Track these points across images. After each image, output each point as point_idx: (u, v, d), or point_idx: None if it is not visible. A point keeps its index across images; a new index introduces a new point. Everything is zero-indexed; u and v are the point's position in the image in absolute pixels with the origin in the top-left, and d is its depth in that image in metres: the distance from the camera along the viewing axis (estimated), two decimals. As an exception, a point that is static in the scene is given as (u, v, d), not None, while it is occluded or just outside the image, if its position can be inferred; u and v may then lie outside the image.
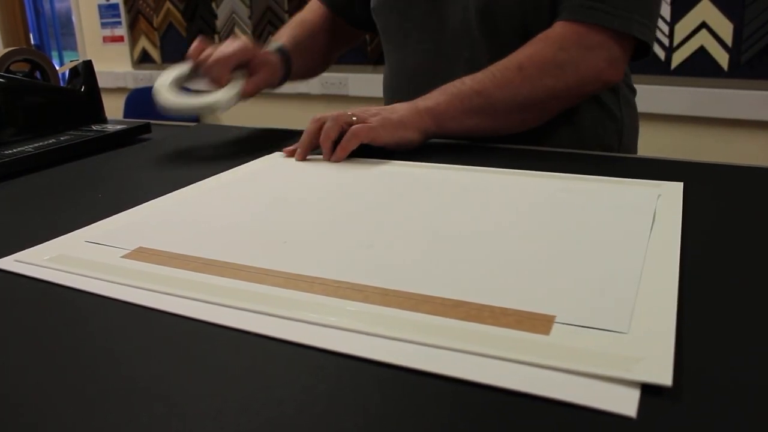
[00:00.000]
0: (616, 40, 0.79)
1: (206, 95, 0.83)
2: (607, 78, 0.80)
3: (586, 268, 0.45)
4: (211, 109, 0.83)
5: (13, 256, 0.51)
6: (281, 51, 0.95)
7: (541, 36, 0.80)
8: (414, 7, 0.93)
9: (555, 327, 0.37)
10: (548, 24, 0.82)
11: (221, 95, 0.83)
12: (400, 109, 0.78)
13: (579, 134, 0.90)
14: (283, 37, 1.00)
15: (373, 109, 0.78)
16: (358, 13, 1.06)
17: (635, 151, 1.00)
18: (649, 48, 0.82)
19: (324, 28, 1.07)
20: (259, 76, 0.88)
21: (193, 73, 0.87)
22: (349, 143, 0.75)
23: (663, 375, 0.32)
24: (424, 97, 0.79)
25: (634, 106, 0.98)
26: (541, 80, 0.78)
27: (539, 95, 0.79)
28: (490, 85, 0.78)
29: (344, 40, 1.12)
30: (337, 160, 0.75)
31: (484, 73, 0.79)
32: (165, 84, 0.84)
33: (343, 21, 1.08)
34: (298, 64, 0.99)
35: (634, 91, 0.99)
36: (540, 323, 0.37)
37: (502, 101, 0.78)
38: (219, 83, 0.84)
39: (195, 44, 0.87)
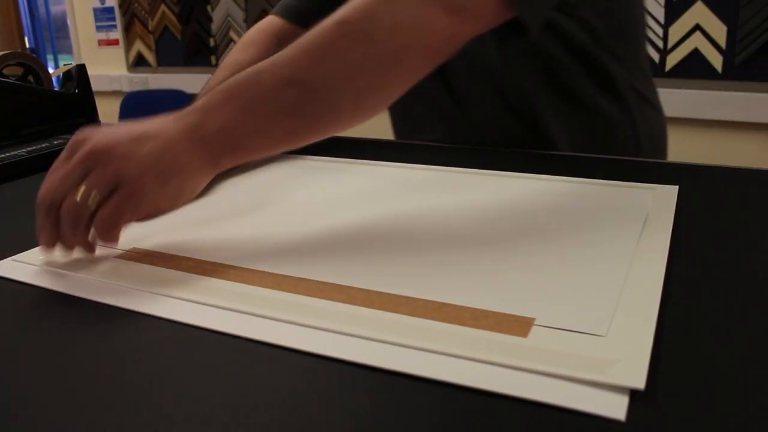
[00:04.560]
0: None
1: None
2: (451, 33, 0.56)
3: (571, 271, 0.45)
4: None
5: (9, 257, 0.52)
6: None
7: None
8: None
9: (534, 329, 0.37)
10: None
11: None
12: (170, 137, 0.49)
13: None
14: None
15: (124, 143, 0.48)
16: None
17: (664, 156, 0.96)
18: (527, 30, 0.60)
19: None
20: None
21: None
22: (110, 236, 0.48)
23: (637, 378, 0.32)
24: (203, 106, 0.51)
25: (653, 104, 0.92)
26: (372, 38, 0.53)
27: (373, 63, 0.53)
28: (304, 59, 0.51)
29: None
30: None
31: (293, 45, 0.53)
32: None
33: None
34: None
35: (651, 88, 0.92)
36: (518, 325, 0.37)
37: (324, 83, 0.52)
38: None
39: None
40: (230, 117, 0.50)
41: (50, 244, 0.48)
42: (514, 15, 0.58)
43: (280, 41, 0.90)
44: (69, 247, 0.49)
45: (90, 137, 0.49)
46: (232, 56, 0.88)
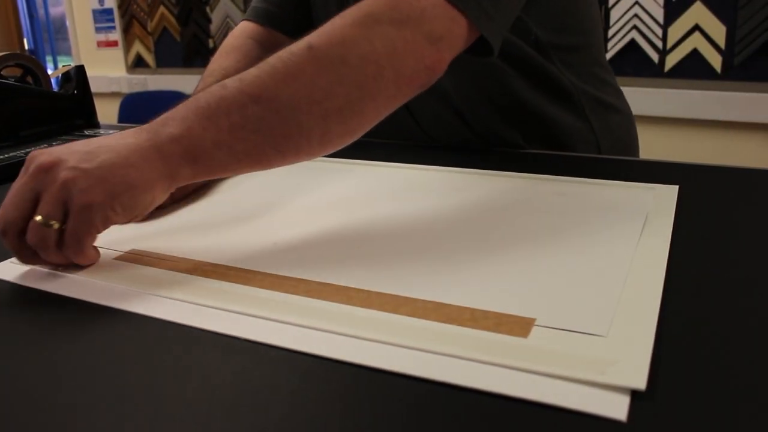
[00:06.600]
0: (446, 14, 0.55)
1: None
2: (430, 63, 0.55)
3: (572, 271, 0.45)
4: None
5: (8, 260, 0.51)
6: None
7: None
8: None
9: (534, 330, 0.37)
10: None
11: None
12: (125, 148, 0.48)
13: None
14: None
15: (74, 156, 0.47)
16: (300, 20, 0.92)
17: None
18: (491, 49, 0.60)
19: (255, 59, 0.80)
20: None
21: None
22: (79, 253, 0.47)
23: (637, 379, 0.32)
24: (164, 117, 0.50)
25: (615, 108, 0.91)
26: (344, 63, 0.51)
27: (343, 88, 0.51)
28: (269, 81, 0.50)
29: None
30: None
31: (261, 66, 0.51)
32: None
33: (284, 37, 0.91)
34: None
35: (611, 92, 0.91)
36: (519, 326, 0.37)
37: (291, 104, 0.50)
38: None
39: None
40: (190, 126, 0.48)
41: (31, 262, 0.48)
42: (480, 36, 0.58)
43: (259, 44, 0.89)
44: (52, 263, 0.48)
45: (41, 154, 0.47)
46: (216, 63, 0.86)
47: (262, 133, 0.50)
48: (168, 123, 0.49)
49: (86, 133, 0.96)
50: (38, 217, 0.45)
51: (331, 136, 0.52)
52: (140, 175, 0.47)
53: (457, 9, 0.55)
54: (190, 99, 0.50)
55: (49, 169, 0.46)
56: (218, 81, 0.78)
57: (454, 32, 0.56)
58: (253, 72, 0.51)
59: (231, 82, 0.50)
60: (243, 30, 0.92)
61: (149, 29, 3.04)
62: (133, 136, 0.49)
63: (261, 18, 0.92)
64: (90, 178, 0.46)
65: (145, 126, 0.50)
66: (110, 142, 0.48)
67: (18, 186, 0.47)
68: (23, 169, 0.48)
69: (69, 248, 0.46)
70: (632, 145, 0.95)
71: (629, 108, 0.96)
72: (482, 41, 0.59)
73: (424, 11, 0.54)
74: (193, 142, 0.48)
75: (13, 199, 0.46)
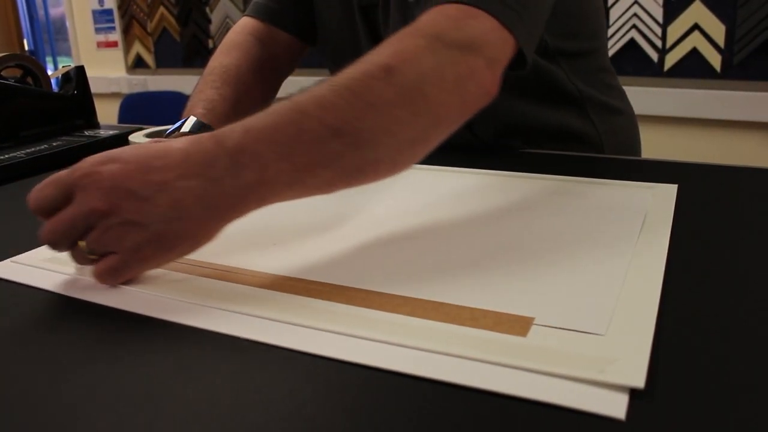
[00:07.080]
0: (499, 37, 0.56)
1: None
2: (489, 88, 0.55)
3: (571, 270, 0.45)
4: None
5: (9, 259, 0.52)
6: (204, 127, 0.74)
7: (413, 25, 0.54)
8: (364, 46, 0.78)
9: (533, 329, 0.37)
10: None
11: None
12: (189, 195, 0.44)
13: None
14: (201, 103, 0.78)
15: (132, 205, 0.44)
16: (301, 18, 0.91)
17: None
18: (525, 62, 0.59)
19: (256, 57, 0.87)
20: None
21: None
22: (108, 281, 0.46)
23: (636, 377, 0.32)
24: (235, 148, 0.45)
25: (619, 110, 0.91)
26: (420, 92, 0.50)
27: (417, 118, 0.50)
28: (349, 111, 0.47)
29: (286, 62, 0.93)
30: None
31: (333, 87, 0.48)
32: (139, 135, 0.87)
33: (284, 34, 0.91)
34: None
35: (615, 95, 0.91)
36: (518, 325, 0.37)
37: (370, 138, 0.48)
38: None
39: None
40: (265, 169, 0.45)
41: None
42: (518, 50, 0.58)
43: (259, 41, 0.89)
44: None
45: (99, 179, 0.44)
46: (217, 60, 0.85)
47: (336, 168, 0.47)
48: (241, 162, 0.45)
49: (86, 133, 0.96)
50: (82, 244, 0.45)
51: (399, 165, 0.52)
52: (200, 228, 0.46)
53: (509, 32, 0.55)
54: (264, 119, 0.47)
55: (103, 216, 0.44)
56: (219, 79, 0.77)
57: (506, 54, 0.56)
58: (329, 97, 0.47)
59: (308, 106, 0.47)
60: (244, 26, 0.92)
61: (149, 30, 3.04)
62: (197, 177, 0.44)
63: (261, 14, 0.92)
64: (146, 233, 0.44)
65: (210, 155, 0.45)
66: (173, 178, 0.44)
67: (73, 216, 0.44)
68: (72, 170, 0.45)
69: (100, 278, 0.45)
70: (635, 146, 0.96)
71: (632, 108, 0.96)
72: (516, 57, 0.58)
73: (485, 35, 0.54)
74: (268, 187, 0.46)
75: (64, 227, 0.44)
